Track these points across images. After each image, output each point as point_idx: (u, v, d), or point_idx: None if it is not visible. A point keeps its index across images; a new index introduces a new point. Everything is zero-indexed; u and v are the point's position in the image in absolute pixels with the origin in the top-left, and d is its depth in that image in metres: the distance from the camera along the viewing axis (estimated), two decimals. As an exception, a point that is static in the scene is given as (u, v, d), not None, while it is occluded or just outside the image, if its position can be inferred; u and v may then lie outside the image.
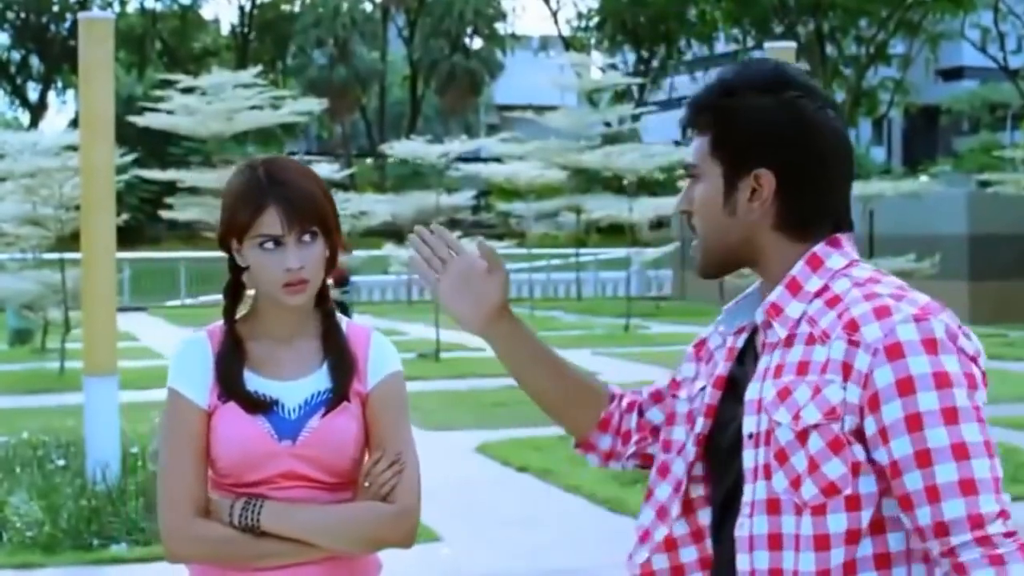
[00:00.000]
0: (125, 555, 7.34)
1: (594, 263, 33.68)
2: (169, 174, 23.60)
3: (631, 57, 59.99)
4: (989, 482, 1.95)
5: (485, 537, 8.07)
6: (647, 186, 31.37)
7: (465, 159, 23.64)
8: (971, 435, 1.95)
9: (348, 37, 60.05)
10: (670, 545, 2.30)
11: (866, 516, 2.00)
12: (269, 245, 2.63)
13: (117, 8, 58.08)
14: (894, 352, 1.97)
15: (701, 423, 2.24)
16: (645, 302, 28.27)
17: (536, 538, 7.97)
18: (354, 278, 29.23)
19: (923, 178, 26.81)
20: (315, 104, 21.93)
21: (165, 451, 2.67)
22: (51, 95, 66.79)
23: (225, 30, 67.58)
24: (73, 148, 14.41)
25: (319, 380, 2.71)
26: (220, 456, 2.64)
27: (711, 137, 2.16)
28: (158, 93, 19.87)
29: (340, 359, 2.73)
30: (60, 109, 77.37)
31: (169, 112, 18.85)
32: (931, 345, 1.97)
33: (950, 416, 1.94)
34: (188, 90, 18.99)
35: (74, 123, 45.54)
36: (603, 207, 26.82)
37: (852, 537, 2.00)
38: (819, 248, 2.13)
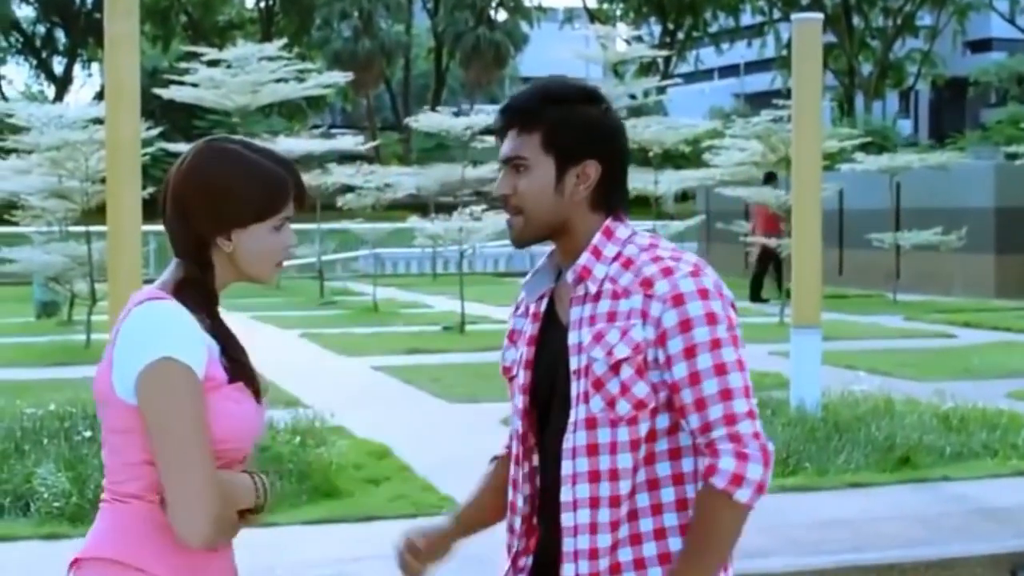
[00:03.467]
0: (151, 526, 7.37)
1: (619, 236, 33.55)
2: (194, 147, 23.67)
3: (657, 29, 59.75)
4: (741, 390, 2.64)
5: (510, 509, 8.08)
6: (672, 159, 31.25)
7: (490, 132, 23.59)
8: (728, 357, 2.63)
9: (372, 9, 59.93)
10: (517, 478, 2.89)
11: (662, 421, 2.67)
12: (280, 227, 2.66)
13: (142, -19, 58.07)
14: (678, 300, 2.62)
15: (523, 375, 2.84)
16: (670, 275, 28.11)
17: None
18: (379, 250, 29.28)
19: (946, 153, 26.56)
20: (340, 77, 21.93)
21: (189, 428, 2.49)
22: (76, 68, 66.96)
23: (250, 3, 67.55)
24: (99, 121, 14.44)
25: None
26: (229, 438, 2.57)
27: (541, 135, 2.73)
28: (183, 66, 19.89)
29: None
30: (85, 82, 77.40)
31: (194, 85, 18.88)
32: (704, 294, 2.64)
33: (714, 345, 2.62)
34: (213, 63, 19.01)
35: (99, 96, 45.60)
36: (628, 180, 26.61)
37: (651, 436, 2.66)
38: (609, 222, 2.77)
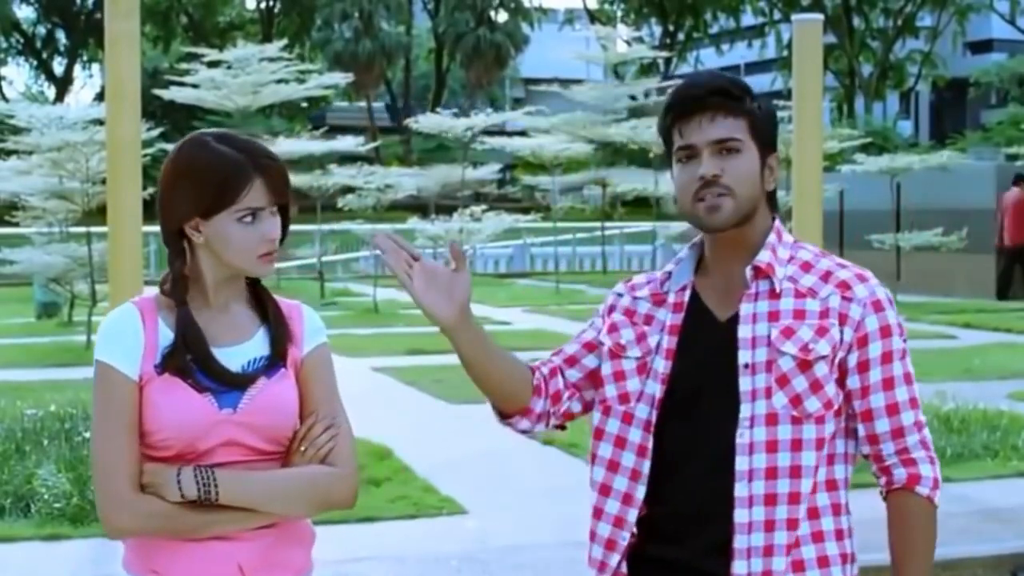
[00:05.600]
0: (152, 527, 7.37)
1: (620, 237, 33.53)
2: (195, 148, 23.67)
3: (657, 30, 59.73)
4: (919, 400, 2.75)
5: (511, 509, 8.08)
6: (673, 160, 31.22)
7: (490, 132, 23.56)
8: (911, 368, 2.74)
9: (373, 10, 59.88)
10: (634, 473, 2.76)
11: (838, 423, 2.68)
12: (248, 218, 2.62)
13: (143, -18, 58.03)
14: (878, 306, 2.69)
15: (663, 364, 2.74)
16: (671, 276, 28.11)
17: (562, 510, 7.97)
18: (379, 252, 29.21)
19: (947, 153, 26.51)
20: (340, 78, 21.93)
21: (100, 425, 2.63)
22: (77, 69, 66.95)
23: (251, 4, 67.56)
24: (99, 122, 14.43)
25: (256, 346, 2.71)
26: (161, 428, 2.60)
27: (750, 122, 2.72)
28: (184, 67, 19.88)
29: (278, 324, 2.73)
30: (86, 83, 77.38)
31: (194, 86, 18.87)
32: (891, 303, 2.73)
33: (903, 354, 2.72)
34: (214, 64, 19.00)
35: (100, 97, 45.61)
36: (629, 181, 26.65)
37: (829, 439, 2.66)
38: (779, 224, 2.80)
